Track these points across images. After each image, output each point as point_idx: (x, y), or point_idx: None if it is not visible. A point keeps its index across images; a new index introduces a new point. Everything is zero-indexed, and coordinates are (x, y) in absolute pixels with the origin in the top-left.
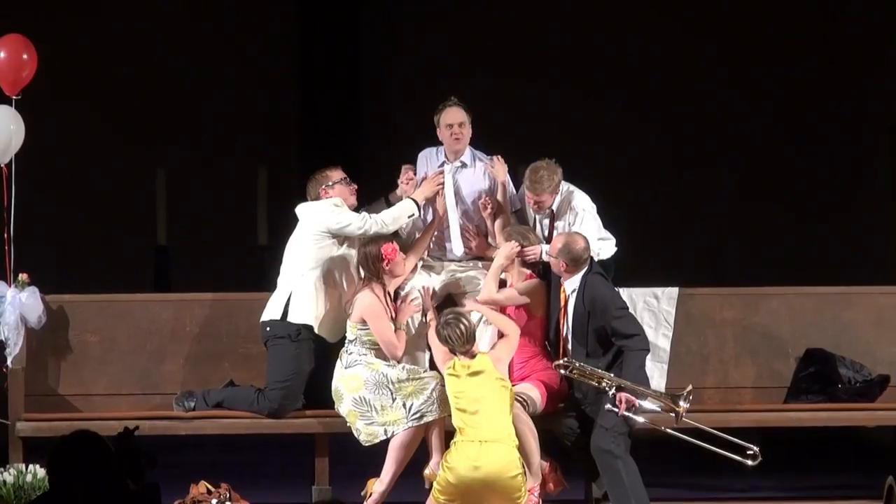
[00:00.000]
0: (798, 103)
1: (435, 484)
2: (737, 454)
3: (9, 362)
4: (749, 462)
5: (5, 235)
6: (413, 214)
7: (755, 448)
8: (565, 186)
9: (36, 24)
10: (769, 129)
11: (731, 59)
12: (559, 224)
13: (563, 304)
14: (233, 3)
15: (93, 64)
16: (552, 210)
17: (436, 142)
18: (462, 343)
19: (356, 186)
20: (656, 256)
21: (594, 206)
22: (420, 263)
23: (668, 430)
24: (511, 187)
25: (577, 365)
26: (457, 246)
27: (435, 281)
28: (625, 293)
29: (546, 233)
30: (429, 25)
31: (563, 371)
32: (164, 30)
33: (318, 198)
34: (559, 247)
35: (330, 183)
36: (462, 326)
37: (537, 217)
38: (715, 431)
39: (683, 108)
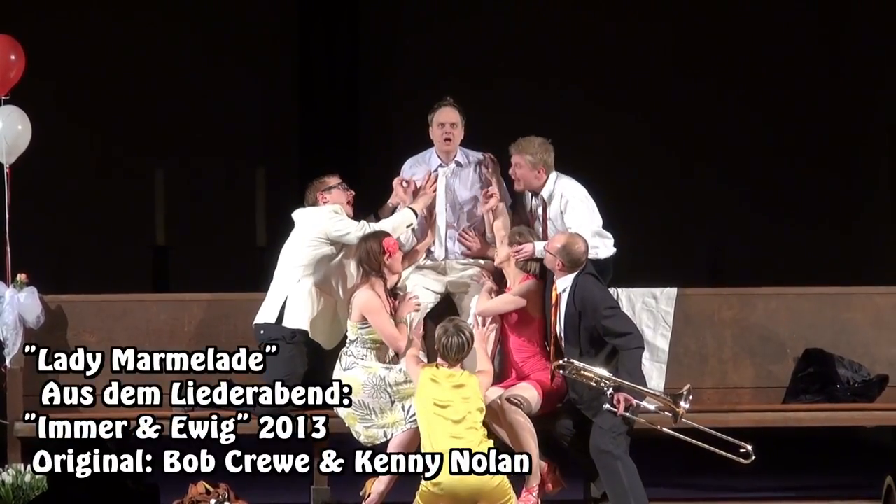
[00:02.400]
0: (798, 104)
1: (417, 496)
2: (731, 453)
3: (7, 362)
4: (742, 461)
5: (4, 236)
6: (412, 224)
7: (748, 446)
8: (555, 175)
9: (34, 25)
10: (768, 130)
11: (731, 59)
12: (550, 211)
13: (554, 302)
14: (232, 5)
15: (92, 64)
16: (544, 199)
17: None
18: (456, 355)
19: (353, 192)
20: (655, 257)
21: (589, 197)
22: (423, 262)
23: (664, 430)
24: (503, 185)
25: (575, 365)
26: (439, 251)
27: (435, 280)
28: (623, 293)
29: (541, 222)
30: (428, 27)
31: (560, 371)
32: (164, 30)
33: (315, 203)
34: (558, 246)
35: (327, 187)
36: (461, 338)
37: (533, 204)
38: (710, 431)
39: (683, 109)
